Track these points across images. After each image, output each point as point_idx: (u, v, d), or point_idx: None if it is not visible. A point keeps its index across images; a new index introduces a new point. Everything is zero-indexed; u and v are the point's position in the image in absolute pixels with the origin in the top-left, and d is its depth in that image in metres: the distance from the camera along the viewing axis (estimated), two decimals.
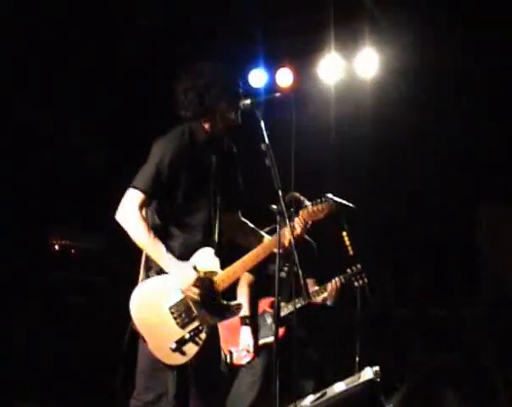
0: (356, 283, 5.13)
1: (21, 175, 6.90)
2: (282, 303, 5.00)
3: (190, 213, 3.51)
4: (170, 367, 3.38)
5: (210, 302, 3.43)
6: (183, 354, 3.37)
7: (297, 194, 5.32)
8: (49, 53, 6.74)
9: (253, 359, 5.05)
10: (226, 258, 3.62)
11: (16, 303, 6.77)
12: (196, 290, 3.36)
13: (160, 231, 3.46)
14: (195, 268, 3.38)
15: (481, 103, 7.08)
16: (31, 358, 6.64)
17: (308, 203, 3.80)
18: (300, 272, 3.31)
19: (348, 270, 5.14)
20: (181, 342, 3.37)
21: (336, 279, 5.14)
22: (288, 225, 3.35)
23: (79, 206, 7.20)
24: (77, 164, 7.45)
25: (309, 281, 5.21)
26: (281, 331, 4.83)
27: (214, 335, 3.58)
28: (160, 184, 3.43)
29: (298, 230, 3.66)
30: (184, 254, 3.46)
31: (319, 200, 3.76)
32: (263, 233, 3.80)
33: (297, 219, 3.70)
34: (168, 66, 7.11)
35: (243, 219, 3.85)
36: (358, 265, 5.12)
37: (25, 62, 6.67)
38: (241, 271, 3.61)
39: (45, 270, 7.19)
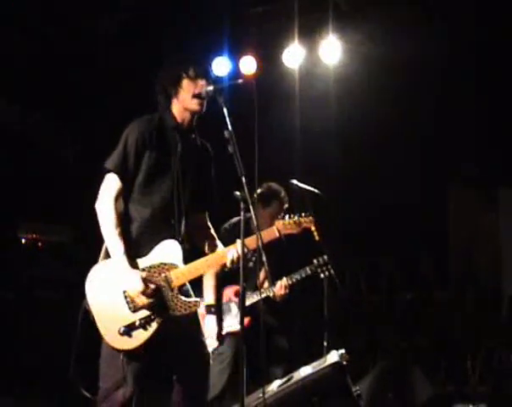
0: (322, 275, 5.18)
1: None
2: (248, 293, 5.00)
3: (149, 194, 3.51)
4: (118, 351, 3.35)
5: (164, 298, 3.41)
6: (131, 339, 3.34)
7: (273, 184, 5.35)
8: (19, 48, 6.68)
9: (217, 347, 5.08)
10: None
11: None
12: (140, 301, 3.35)
13: (122, 214, 3.49)
14: (144, 279, 3.36)
15: (447, 90, 7.15)
16: (2, 354, 6.59)
17: (286, 216, 3.75)
18: (266, 263, 3.33)
19: (315, 261, 5.17)
20: (131, 328, 3.34)
21: (285, 279, 5.18)
22: (252, 215, 3.33)
23: (45, 198, 7.15)
24: (44, 157, 7.39)
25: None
26: (247, 320, 4.84)
27: (192, 321, 3.59)
28: (129, 165, 3.47)
29: (266, 239, 3.62)
30: (141, 238, 3.49)
31: (298, 214, 3.75)
32: (219, 244, 3.77)
33: (269, 229, 3.68)
34: (137, 55, 7.13)
35: (209, 223, 3.85)
36: (325, 256, 5.15)
37: None
38: (203, 270, 3.58)
39: (13, 265, 7.13)
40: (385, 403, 5.50)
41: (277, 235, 3.68)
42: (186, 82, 3.60)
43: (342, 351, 4.35)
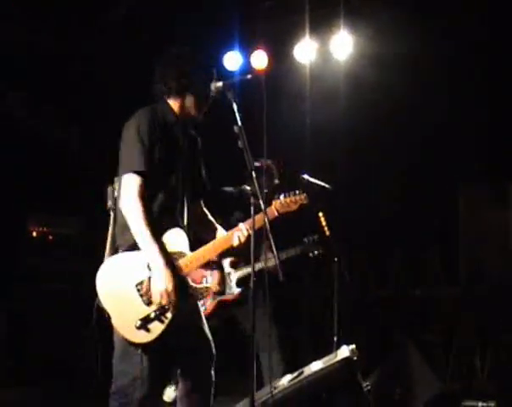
0: (311, 254, 5.19)
1: None
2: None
3: (154, 188, 3.46)
4: (136, 346, 3.32)
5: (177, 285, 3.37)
6: (148, 332, 3.32)
7: (269, 162, 5.37)
8: (19, 36, 6.68)
9: (208, 315, 5.06)
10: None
11: None
12: (165, 300, 3.31)
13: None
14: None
15: (458, 86, 7.12)
16: (11, 344, 6.63)
17: (281, 195, 3.78)
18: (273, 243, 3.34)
19: (305, 239, 5.22)
20: (146, 320, 3.32)
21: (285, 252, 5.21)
22: (258, 194, 3.35)
23: (55, 191, 7.16)
24: (51, 149, 7.41)
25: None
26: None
27: (193, 310, 3.59)
28: (154, 159, 3.41)
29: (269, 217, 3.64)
30: None
31: (292, 192, 3.77)
32: (218, 226, 3.79)
33: (267, 209, 3.66)
34: (142, 46, 7.13)
35: (205, 209, 3.86)
36: (315, 236, 5.20)
37: None
38: (210, 255, 3.59)
39: (23, 257, 7.16)
40: (392, 399, 5.49)
41: (276, 214, 3.74)
42: None
43: (353, 346, 4.35)
